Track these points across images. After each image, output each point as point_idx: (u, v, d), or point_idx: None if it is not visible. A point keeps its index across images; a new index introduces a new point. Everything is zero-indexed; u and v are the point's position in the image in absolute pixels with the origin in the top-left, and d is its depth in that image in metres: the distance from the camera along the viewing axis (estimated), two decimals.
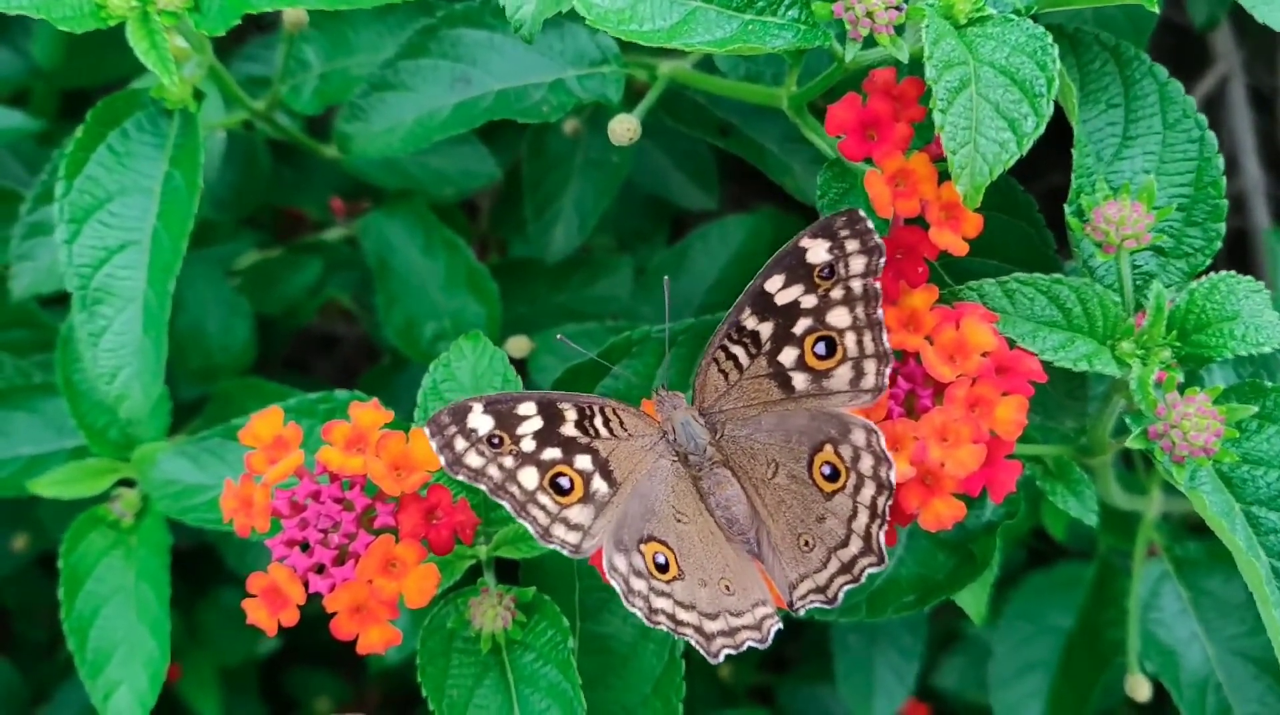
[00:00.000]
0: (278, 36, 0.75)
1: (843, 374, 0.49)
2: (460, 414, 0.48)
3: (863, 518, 0.49)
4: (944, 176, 0.49)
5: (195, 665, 0.94)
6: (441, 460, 0.48)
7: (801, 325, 0.49)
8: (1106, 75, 0.54)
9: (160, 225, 0.61)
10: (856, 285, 0.48)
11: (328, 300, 0.94)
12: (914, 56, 0.48)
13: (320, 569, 0.50)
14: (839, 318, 0.49)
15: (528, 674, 0.53)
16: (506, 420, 0.49)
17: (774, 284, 0.49)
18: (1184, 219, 0.54)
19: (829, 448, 0.49)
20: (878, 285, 0.48)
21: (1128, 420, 0.51)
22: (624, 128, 0.61)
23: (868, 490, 0.48)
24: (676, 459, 0.50)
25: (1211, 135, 0.54)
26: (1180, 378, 0.50)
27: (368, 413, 0.52)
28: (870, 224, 0.48)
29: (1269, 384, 0.51)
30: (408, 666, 0.93)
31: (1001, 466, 0.49)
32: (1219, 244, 0.54)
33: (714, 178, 0.87)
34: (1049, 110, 0.45)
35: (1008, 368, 0.49)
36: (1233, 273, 0.51)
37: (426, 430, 0.48)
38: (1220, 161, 0.54)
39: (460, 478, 0.48)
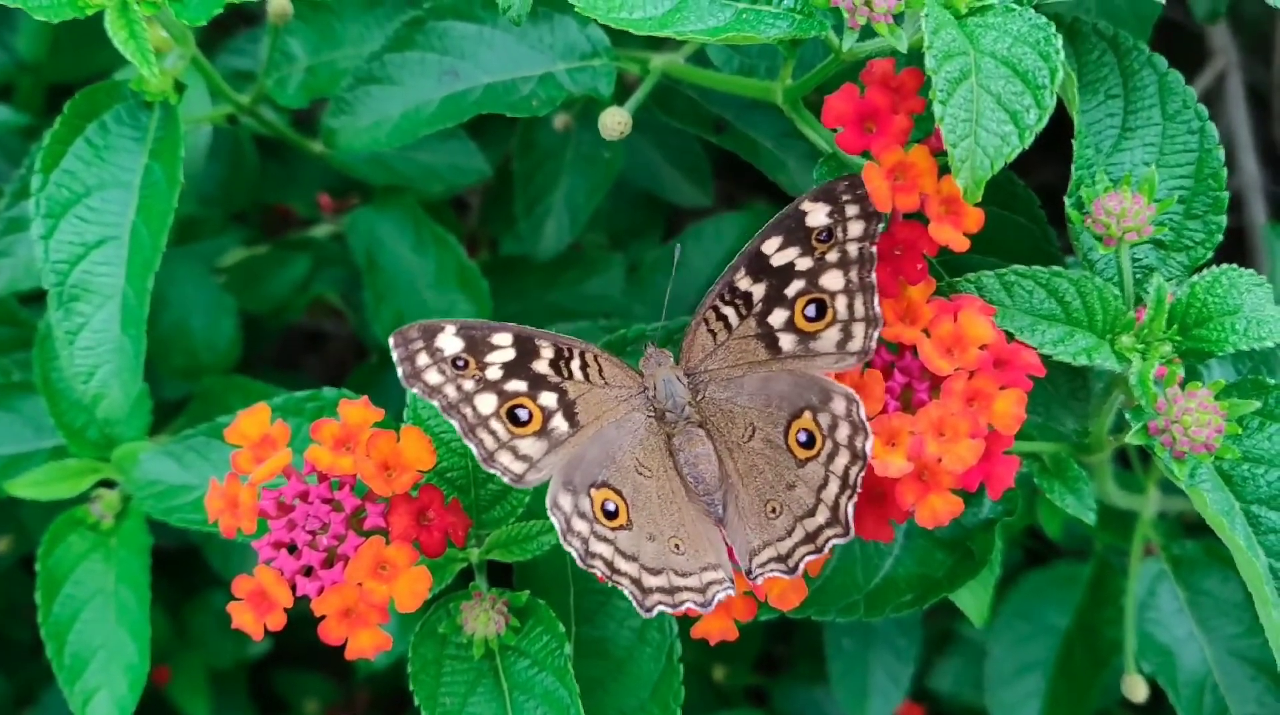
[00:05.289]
0: (264, 30, 0.73)
1: (830, 336, 0.49)
2: (430, 332, 0.49)
3: (833, 487, 0.48)
4: (944, 170, 0.48)
5: (184, 667, 0.93)
6: (400, 372, 0.48)
7: (794, 287, 0.49)
8: (1105, 66, 0.54)
9: (139, 220, 0.60)
10: (853, 249, 0.48)
11: (315, 298, 0.93)
12: (913, 47, 0.47)
13: (308, 571, 0.49)
14: (832, 281, 0.49)
15: (522, 681, 0.52)
16: (477, 346, 0.49)
17: (771, 246, 0.49)
18: (1184, 212, 0.53)
19: (808, 414, 0.49)
20: (874, 249, 0.48)
21: (1127, 416, 0.50)
22: (614, 121, 0.60)
23: (841, 459, 0.48)
24: (652, 415, 0.50)
25: (1212, 126, 0.53)
26: (1181, 373, 0.49)
27: (357, 411, 0.51)
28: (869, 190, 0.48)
29: (1271, 381, 0.51)
30: (397, 668, 0.92)
31: (1000, 461, 0.48)
32: (1220, 237, 0.53)
33: (708, 174, 0.86)
34: (1052, 102, 0.44)
35: (1006, 361, 0.49)
36: (1234, 266, 0.50)
37: (391, 340, 0.49)
38: (1221, 153, 0.53)
39: (414, 391, 0.49)
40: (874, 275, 0.48)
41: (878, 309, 0.48)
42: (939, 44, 0.44)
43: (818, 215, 0.48)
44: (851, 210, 0.48)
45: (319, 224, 0.90)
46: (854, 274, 0.48)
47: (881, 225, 0.48)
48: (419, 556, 0.50)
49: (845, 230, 0.48)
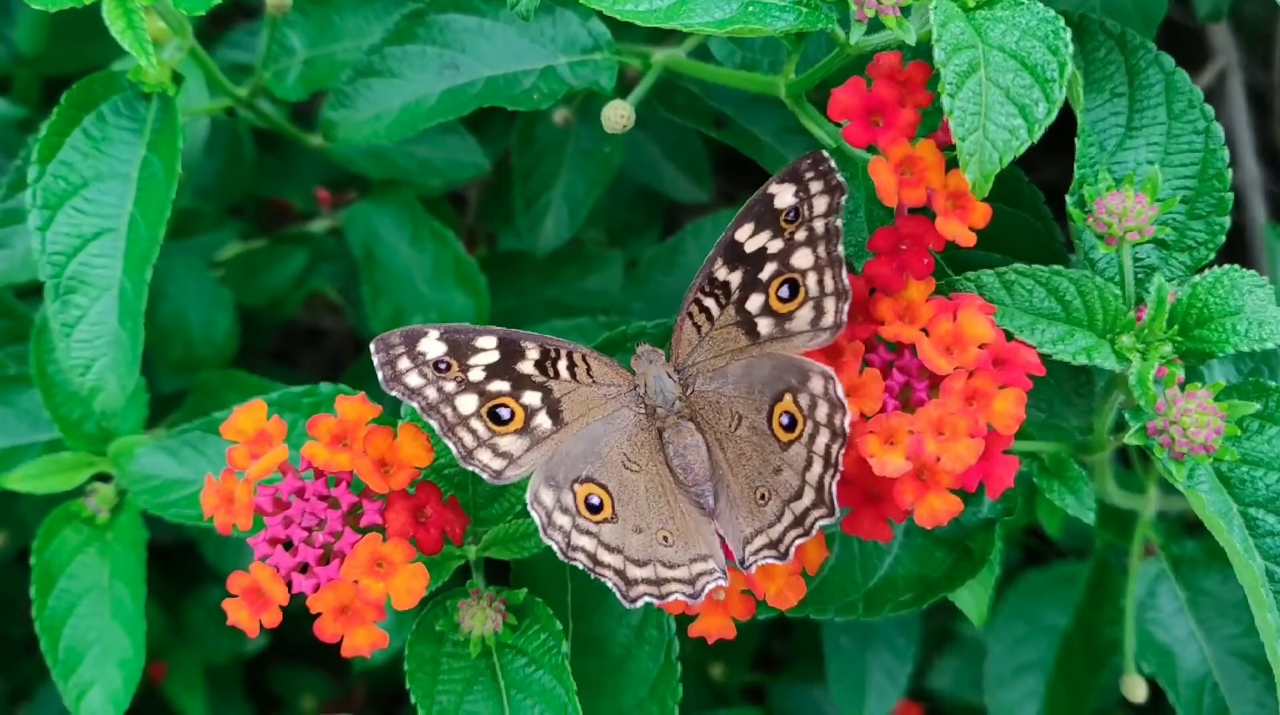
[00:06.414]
0: (262, 22, 0.73)
1: (804, 314, 0.49)
2: (413, 338, 0.49)
3: (816, 467, 0.48)
4: (951, 164, 0.48)
5: (180, 663, 0.93)
6: (380, 376, 0.49)
7: (768, 270, 0.49)
8: (1111, 64, 0.53)
9: (137, 212, 0.59)
10: (819, 225, 0.48)
11: (313, 292, 0.92)
12: (920, 40, 0.47)
13: (304, 568, 0.49)
14: (802, 259, 0.49)
15: (520, 679, 0.52)
16: (460, 349, 0.49)
17: (744, 233, 0.49)
18: (1187, 212, 0.53)
19: (788, 397, 0.49)
20: (839, 223, 0.48)
21: (1127, 416, 0.50)
22: (617, 114, 0.59)
23: (822, 438, 0.48)
24: (642, 412, 0.50)
25: (1218, 127, 0.53)
26: (1181, 374, 0.49)
27: (354, 407, 0.50)
28: (834, 163, 0.48)
29: (1272, 383, 0.51)
30: (394, 664, 0.91)
31: (999, 461, 0.48)
32: (1223, 238, 0.53)
33: (707, 170, 0.86)
34: (1061, 96, 0.44)
35: (1005, 360, 0.48)
36: (1236, 267, 0.50)
37: (372, 346, 0.49)
38: (1226, 154, 0.53)
39: (394, 394, 0.49)
40: (841, 248, 0.48)
41: (846, 282, 0.48)
42: (947, 37, 0.44)
43: (785, 196, 0.48)
44: (815, 187, 0.48)
45: (316, 218, 0.89)
46: (821, 249, 0.48)
47: (845, 197, 0.48)
48: (416, 554, 0.50)
49: (811, 207, 0.48)
